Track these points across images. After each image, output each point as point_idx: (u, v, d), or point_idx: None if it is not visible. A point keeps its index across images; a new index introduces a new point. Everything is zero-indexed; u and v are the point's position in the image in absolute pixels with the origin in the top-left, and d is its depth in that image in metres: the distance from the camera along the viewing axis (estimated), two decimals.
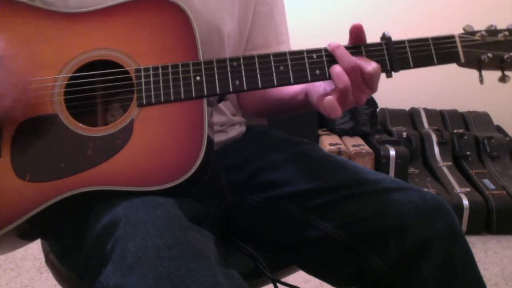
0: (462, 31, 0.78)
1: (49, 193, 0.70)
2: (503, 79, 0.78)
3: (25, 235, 0.76)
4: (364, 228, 0.77)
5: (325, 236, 0.80)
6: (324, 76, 0.74)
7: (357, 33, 0.74)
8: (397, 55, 0.75)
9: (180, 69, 0.73)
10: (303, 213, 0.82)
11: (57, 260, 0.87)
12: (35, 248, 1.90)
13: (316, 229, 0.80)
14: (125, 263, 0.57)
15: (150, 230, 0.59)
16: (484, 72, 0.78)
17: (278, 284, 0.86)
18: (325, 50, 0.75)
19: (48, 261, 0.92)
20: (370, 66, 0.72)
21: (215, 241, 0.65)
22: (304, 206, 0.82)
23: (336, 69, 0.72)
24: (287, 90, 0.88)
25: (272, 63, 0.75)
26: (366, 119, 2.60)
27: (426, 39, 0.76)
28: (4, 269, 1.88)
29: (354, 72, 0.72)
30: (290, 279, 0.90)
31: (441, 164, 2.55)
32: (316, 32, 2.09)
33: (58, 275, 0.89)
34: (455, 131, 2.66)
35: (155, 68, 0.73)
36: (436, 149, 2.59)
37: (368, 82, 0.73)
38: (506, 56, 0.76)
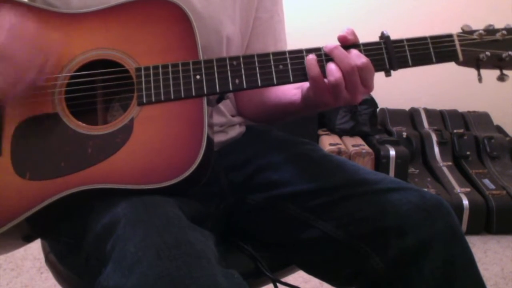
0: (460, 31, 0.78)
1: (49, 192, 0.70)
2: (501, 78, 0.79)
3: (25, 234, 0.77)
4: (364, 228, 0.77)
5: (325, 236, 0.80)
6: (324, 74, 0.74)
7: (344, 43, 0.75)
8: (396, 54, 0.76)
9: (180, 68, 0.74)
10: (303, 213, 0.82)
11: (57, 260, 0.87)
12: (35, 248, 1.89)
13: (316, 229, 0.80)
14: (125, 263, 0.57)
15: (150, 230, 0.59)
16: (483, 73, 0.79)
17: (278, 284, 0.86)
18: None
19: (48, 261, 0.92)
20: (360, 60, 0.73)
21: (215, 241, 0.65)
22: (304, 206, 0.82)
23: (330, 65, 0.73)
24: (284, 94, 0.88)
25: (272, 62, 0.75)
26: (366, 119, 2.60)
27: (424, 38, 0.77)
28: (4, 269, 1.88)
29: (353, 74, 0.72)
30: (290, 279, 0.90)
31: (441, 164, 2.55)
32: (315, 32, 2.09)
33: (58, 275, 0.89)
34: (455, 131, 2.65)
35: (155, 67, 0.74)
36: (436, 149, 2.59)
37: (363, 80, 0.73)
38: (504, 54, 0.77)
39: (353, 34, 0.76)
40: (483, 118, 2.77)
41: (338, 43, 0.75)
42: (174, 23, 0.76)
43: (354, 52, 0.74)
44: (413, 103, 2.84)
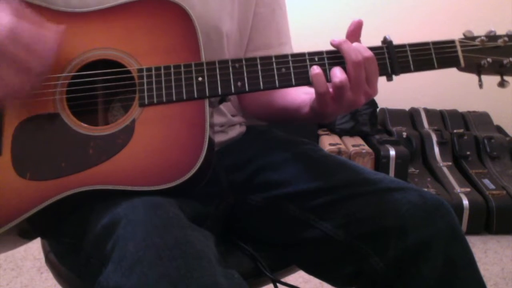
0: (462, 36, 0.78)
1: (49, 192, 0.70)
2: (502, 84, 0.79)
3: (25, 234, 0.77)
4: (364, 228, 0.77)
5: (325, 236, 0.80)
6: (326, 78, 0.74)
7: (356, 29, 0.75)
8: (398, 58, 0.76)
9: (183, 69, 0.74)
10: (303, 213, 0.82)
11: (57, 260, 0.87)
12: (35, 248, 1.90)
13: (316, 229, 0.80)
14: (125, 263, 0.57)
15: (150, 230, 0.59)
16: (483, 75, 0.79)
17: (278, 284, 0.86)
18: (327, 52, 0.75)
19: (48, 261, 0.92)
20: (367, 52, 0.73)
21: (215, 241, 0.65)
22: (304, 206, 0.82)
23: (335, 69, 0.73)
24: (293, 99, 0.88)
25: (274, 65, 0.75)
26: (366, 119, 2.60)
27: (426, 44, 0.77)
28: (4, 269, 1.88)
29: (359, 68, 0.72)
30: (290, 279, 0.90)
31: (441, 164, 2.55)
32: (316, 34, 2.09)
33: (58, 275, 0.89)
34: (455, 131, 2.65)
35: (157, 68, 0.74)
36: (436, 149, 2.59)
37: (368, 75, 0.73)
38: (505, 61, 0.77)
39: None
40: (483, 118, 2.77)
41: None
42: (176, 23, 0.76)
43: (360, 45, 0.74)
44: (413, 103, 2.84)
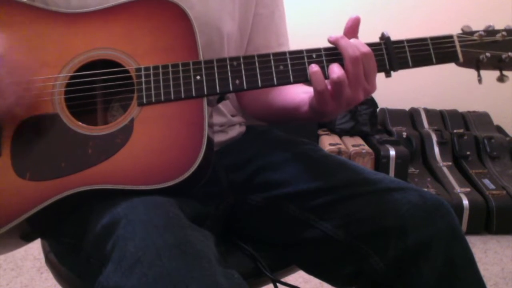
0: (460, 32, 0.78)
1: (49, 192, 0.70)
2: (501, 79, 0.79)
3: (25, 234, 0.77)
4: (364, 228, 0.77)
5: (325, 236, 0.80)
6: (324, 75, 0.74)
7: (354, 26, 0.75)
8: (396, 54, 0.76)
9: (181, 68, 0.74)
10: (303, 213, 0.82)
11: (57, 260, 0.87)
12: (35, 248, 1.90)
13: (316, 229, 0.80)
14: (125, 263, 0.57)
15: (150, 230, 0.59)
16: (483, 72, 0.79)
17: (278, 284, 0.86)
18: (325, 49, 0.75)
19: (48, 261, 0.92)
20: (364, 47, 0.73)
21: (215, 241, 0.65)
22: (304, 206, 0.82)
23: (333, 65, 0.73)
24: (293, 99, 0.87)
25: (272, 62, 0.75)
26: (366, 119, 2.60)
27: (425, 39, 0.77)
28: (4, 269, 1.88)
29: (357, 63, 0.72)
30: (290, 279, 0.90)
31: (441, 164, 2.55)
32: (315, 32, 2.09)
33: (58, 275, 0.89)
34: (455, 131, 2.66)
35: (156, 68, 0.74)
36: (436, 149, 2.59)
37: (366, 71, 0.73)
38: (504, 55, 0.77)
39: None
40: (483, 118, 2.77)
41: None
42: (174, 22, 0.76)
43: (357, 41, 0.74)
44: (413, 103, 2.84)
